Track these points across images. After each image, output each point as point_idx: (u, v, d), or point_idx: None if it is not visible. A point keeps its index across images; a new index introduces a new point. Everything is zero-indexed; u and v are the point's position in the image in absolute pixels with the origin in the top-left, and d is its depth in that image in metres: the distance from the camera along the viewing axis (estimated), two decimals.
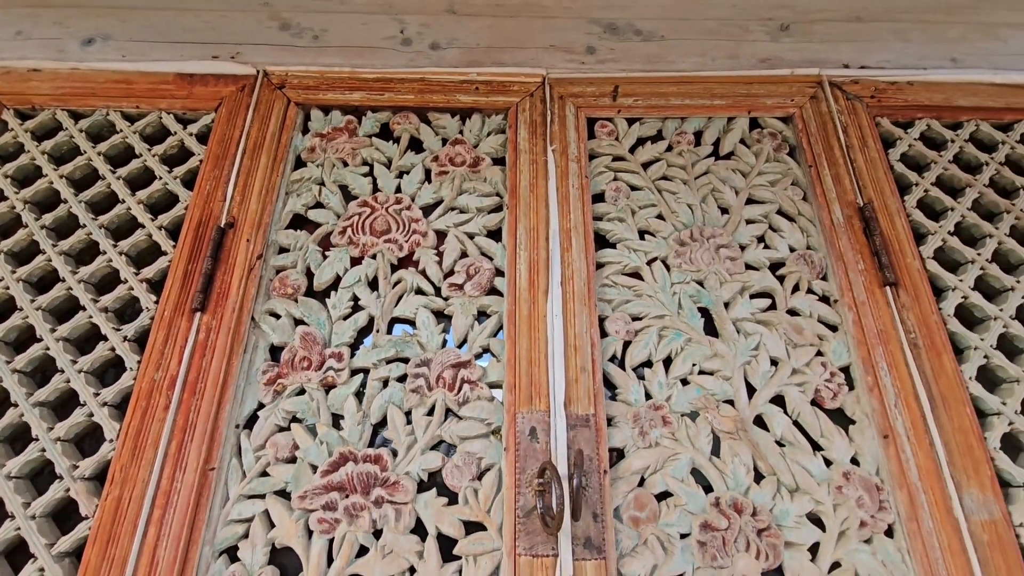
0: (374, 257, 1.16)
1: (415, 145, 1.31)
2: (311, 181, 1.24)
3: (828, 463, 0.99)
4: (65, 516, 0.99)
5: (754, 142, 1.31)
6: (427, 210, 1.23)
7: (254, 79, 1.33)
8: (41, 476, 1.02)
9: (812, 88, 1.34)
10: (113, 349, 1.06)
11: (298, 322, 1.10)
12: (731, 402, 1.04)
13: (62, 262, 1.14)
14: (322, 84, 1.34)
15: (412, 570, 0.91)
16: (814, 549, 0.93)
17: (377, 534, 0.93)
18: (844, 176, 1.22)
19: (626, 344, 1.09)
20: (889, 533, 0.94)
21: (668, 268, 1.17)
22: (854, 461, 1.00)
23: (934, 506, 0.93)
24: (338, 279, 1.14)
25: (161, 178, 1.23)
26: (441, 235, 1.20)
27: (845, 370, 1.08)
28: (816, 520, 0.95)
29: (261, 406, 1.03)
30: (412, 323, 1.11)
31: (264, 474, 0.97)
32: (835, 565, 0.92)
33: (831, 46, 1.40)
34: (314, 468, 0.97)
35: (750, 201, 1.25)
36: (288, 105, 1.31)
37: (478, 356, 1.08)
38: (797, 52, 1.40)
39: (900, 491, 0.95)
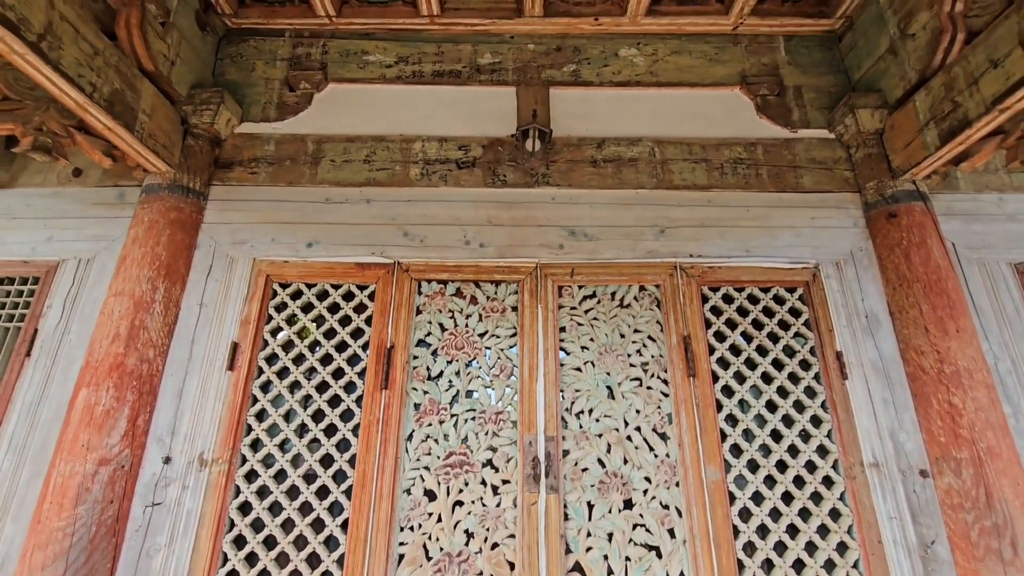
0: (457, 361, 2.52)
1: (473, 300, 2.67)
2: (424, 322, 2.60)
3: (656, 456, 2.34)
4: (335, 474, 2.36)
5: (641, 299, 2.65)
6: (481, 336, 2.58)
7: (393, 266, 2.69)
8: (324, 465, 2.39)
9: (671, 270, 2.67)
10: (348, 407, 2.43)
11: (425, 392, 2.47)
12: (617, 430, 2.39)
13: (318, 363, 2.51)
14: (426, 268, 2.70)
15: (481, 499, 2.27)
16: (645, 490, 2.28)
17: (466, 484, 2.29)
18: (679, 319, 2.56)
19: (572, 402, 2.44)
20: (677, 485, 2.29)
21: (594, 365, 2.51)
22: (667, 455, 2.34)
23: (689, 472, 2.27)
24: (442, 372, 2.51)
25: (353, 320, 2.60)
26: (487, 349, 2.56)
27: (669, 415, 2.42)
28: (647, 479, 2.30)
29: (414, 430, 2.40)
30: (475, 392, 2.47)
31: (417, 460, 2.34)
32: (653, 498, 2.27)
33: (684, 243, 2.73)
34: (438, 456, 2.34)
35: (635, 331, 2.59)
36: (410, 280, 2.67)
37: (506, 408, 2.44)
38: (667, 247, 2.72)
39: (681, 467, 2.30)
